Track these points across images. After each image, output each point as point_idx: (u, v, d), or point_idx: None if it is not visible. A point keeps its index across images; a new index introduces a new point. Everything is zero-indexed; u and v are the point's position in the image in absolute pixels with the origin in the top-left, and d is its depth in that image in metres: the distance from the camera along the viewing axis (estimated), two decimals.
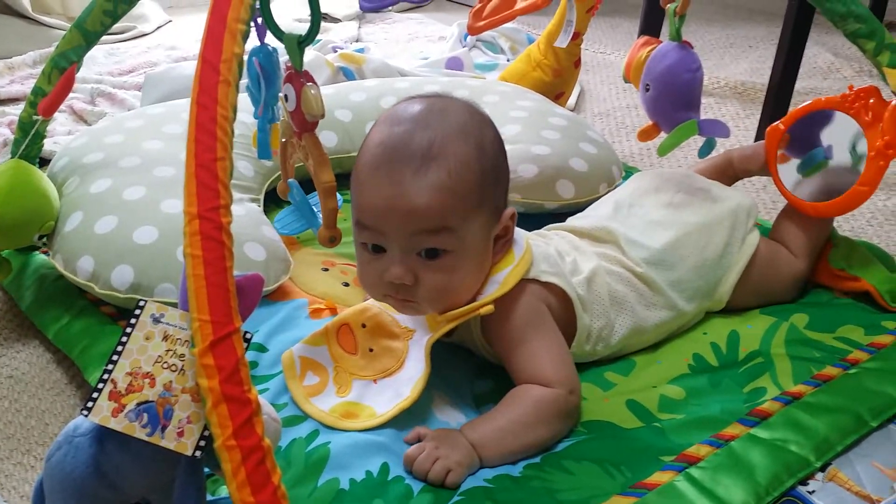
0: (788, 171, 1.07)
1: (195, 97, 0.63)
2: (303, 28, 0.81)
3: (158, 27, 2.45)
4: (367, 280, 0.84)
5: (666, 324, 0.95)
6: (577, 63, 1.61)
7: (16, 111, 1.67)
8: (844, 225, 1.39)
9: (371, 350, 0.88)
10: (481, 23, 1.28)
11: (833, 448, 0.80)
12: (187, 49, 2.15)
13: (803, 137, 1.07)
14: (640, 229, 0.99)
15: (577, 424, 0.83)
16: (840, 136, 1.04)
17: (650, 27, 1.93)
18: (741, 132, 1.79)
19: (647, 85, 1.07)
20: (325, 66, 1.72)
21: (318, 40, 2.15)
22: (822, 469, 0.78)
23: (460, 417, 0.84)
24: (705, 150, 1.05)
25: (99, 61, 2.05)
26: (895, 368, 0.89)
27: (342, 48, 2.08)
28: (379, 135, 0.81)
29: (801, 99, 1.89)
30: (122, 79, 1.92)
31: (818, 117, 1.05)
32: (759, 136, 1.69)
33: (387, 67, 1.78)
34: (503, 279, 0.85)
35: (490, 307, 0.83)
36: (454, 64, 1.95)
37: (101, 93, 1.80)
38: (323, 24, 2.42)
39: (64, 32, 1.05)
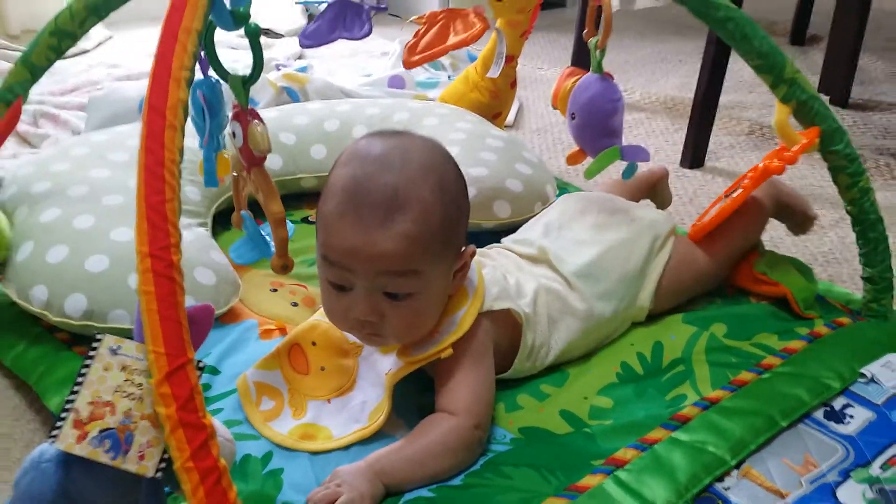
0: None
1: (143, 143, 0.66)
2: (246, 55, 0.84)
3: (99, 44, 2.43)
4: (332, 315, 0.87)
5: (594, 332, 1.01)
6: (513, 84, 1.67)
7: None
8: (764, 235, 1.46)
9: (323, 368, 0.92)
10: (416, 57, 1.35)
11: (747, 447, 0.85)
12: (129, 66, 2.14)
13: None
14: (569, 249, 1.05)
15: (480, 456, 0.84)
16: None
17: (581, 55, 2.01)
18: (670, 146, 1.85)
19: (573, 114, 1.12)
20: (269, 87, 1.75)
21: None
22: (737, 467, 0.83)
23: (405, 432, 0.87)
24: (628, 174, 1.12)
25: (40, 81, 2.03)
26: (804, 372, 0.96)
27: (285, 65, 2.11)
28: (342, 179, 0.82)
29: (726, 113, 1.98)
30: (64, 98, 1.91)
31: None
32: (687, 150, 1.77)
33: (330, 87, 1.82)
34: (460, 320, 0.88)
35: (450, 350, 0.86)
36: (396, 82, 2.00)
37: (44, 114, 1.80)
38: (266, 39, 2.45)
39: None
